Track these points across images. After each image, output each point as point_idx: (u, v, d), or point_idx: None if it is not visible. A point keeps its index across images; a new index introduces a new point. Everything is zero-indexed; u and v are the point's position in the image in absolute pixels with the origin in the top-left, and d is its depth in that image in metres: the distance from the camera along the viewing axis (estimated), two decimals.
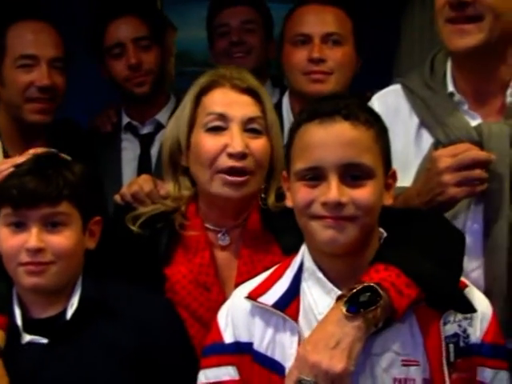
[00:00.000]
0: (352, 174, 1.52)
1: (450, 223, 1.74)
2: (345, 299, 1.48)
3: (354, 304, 1.47)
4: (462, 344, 1.55)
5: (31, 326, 1.73)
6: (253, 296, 1.62)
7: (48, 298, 1.73)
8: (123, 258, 1.87)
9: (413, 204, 1.86)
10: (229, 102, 1.86)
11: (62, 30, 2.48)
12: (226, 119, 1.85)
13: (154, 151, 2.70)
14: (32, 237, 1.68)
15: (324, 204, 1.51)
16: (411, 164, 1.97)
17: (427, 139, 1.97)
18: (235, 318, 1.65)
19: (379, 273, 1.51)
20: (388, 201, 1.60)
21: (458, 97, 1.95)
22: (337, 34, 2.45)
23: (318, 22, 2.45)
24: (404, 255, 1.55)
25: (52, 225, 1.70)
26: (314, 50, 2.41)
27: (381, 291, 1.47)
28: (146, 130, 2.76)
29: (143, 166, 2.68)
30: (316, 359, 1.44)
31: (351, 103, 1.57)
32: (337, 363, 1.43)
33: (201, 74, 1.94)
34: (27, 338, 1.72)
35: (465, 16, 1.85)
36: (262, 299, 1.61)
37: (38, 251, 1.67)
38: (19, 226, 1.70)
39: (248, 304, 1.64)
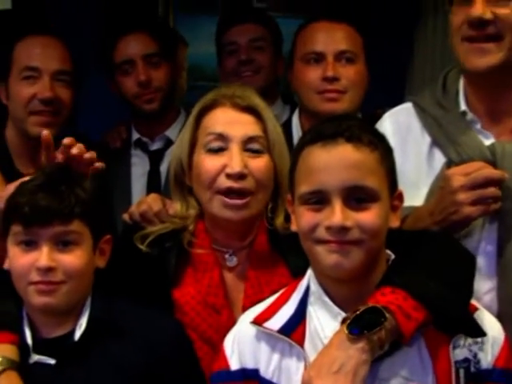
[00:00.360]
0: (356, 197, 1.49)
1: (460, 244, 1.72)
2: (348, 321, 1.45)
3: (358, 325, 1.44)
4: (472, 369, 1.51)
5: (40, 345, 1.70)
6: (258, 321, 1.60)
7: (57, 318, 1.70)
8: (132, 278, 1.85)
9: (424, 224, 1.83)
10: (229, 121, 1.84)
11: (73, 45, 2.48)
12: (225, 139, 1.82)
13: (163, 167, 2.68)
14: (43, 256, 1.65)
15: (328, 228, 1.48)
16: (423, 183, 1.94)
17: (439, 158, 1.95)
18: (241, 344, 1.62)
19: (386, 296, 1.48)
20: (394, 223, 1.57)
21: (470, 115, 1.93)
22: (349, 51, 2.42)
23: (330, 39, 2.42)
24: (412, 278, 1.52)
25: (63, 244, 1.67)
26: (328, 69, 2.38)
27: (386, 313, 1.44)
28: (155, 146, 2.74)
29: (152, 183, 2.67)
30: None
31: (354, 125, 1.55)
32: None
33: (212, 89, 1.93)
34: (35, 357, 1.69)
35: (485, 35, 1.84)
36: (267, 324, 1.58)
37: (49, 270, 1.64)
38: (30, 244, 1.67)
39: (254, 329, 1.61)
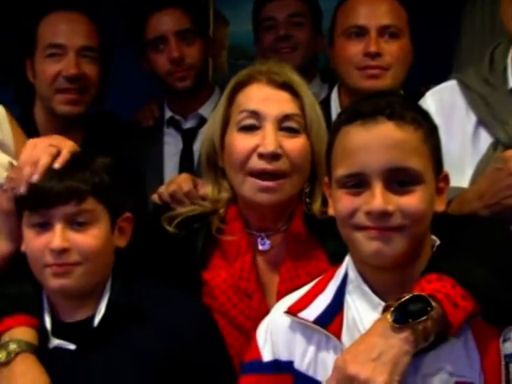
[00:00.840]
0: (398, 180, 1.40)
1: (509, 230, 1.62)
2: (392, 309, 1.36)
3: (402, 314, 1.34)
4: None
5: (60, 330, 1.66)
6: (293, 311, 1.52)
7: (76, 301, 1.66)
8: (158, 259, 1.79)
9: (471, 207, 1.75)
10: (263, 98, 1.76)
11: (103, 22, 2.43)
12: (259, 117, 1.74)
13: (196, 146, 2.62)
14: (56, 237, 1.60)
15: (368, 213, 1.39)
16: (468, 164, 1.87)
17: (485, 138, 1.87)
18: (274, 334, 1.55)
19: (432, 283, 1.39)
20: (440, 207, 1.47)
21: None
22: (394, 26, 2.31)
23: (373, 13, 2.32)
24: (459, 264, 1.42)
25: (77, 223, 1.62)
26: (371, 44, 2.28)
27: (432, 301, 1.34)
28: (188, 125, 2.68)
29: (185, 162, 2.62)
30: (355, 370, 1.33)
31: (395, 101, 1.45)
32: (378, 376, 1.31)
33: None
34: (55, 342, 1.65)
35: None
36: (302, 314, 1.50)
37: (63, 251, 1.60)
38: (43, 225, 1.63)
39: (288, 319, 1.53)
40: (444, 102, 1.95)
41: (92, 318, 1.65)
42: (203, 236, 1.82)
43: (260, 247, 1.82)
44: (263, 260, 1.82)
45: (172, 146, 2.68)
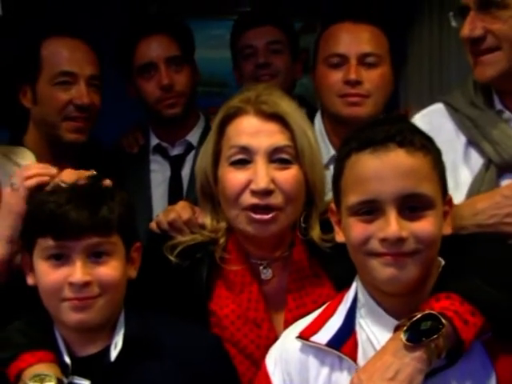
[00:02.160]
0: (411, 206, 1.44)
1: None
2: (404, 328, 1.39)
3: (415, 333, 1.38)
4: None
5: (72, 365, 1.61)
6: (305, 335, 1.54)
7: (90, 335, 1.62)
8: (162, 290, 1.78)
9: (463, 223, 1.78)
10: (253, 131, 1.74)
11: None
12: (249, 152, 1.73)
13: (184, 173, 2.64)
14: (77, 270, 1.56)
15: (383, 240, 1.42)
16: (461, 183, 1.92)
17: (476, 158, 1.93)
18: (286, 361, 1.56)
19: (440, 301, 1.43)
20: (447, 230, 1.51)
21: (507, 114, 1.92)
22: (373, 54, 2.37)
23: (353, 41, 2.37)
24: (466, 282, 1.47)
25: (96, 255, 1.59)
26: (351, 72, 2.33)
27: (443, 320, 1.39)
28: (176, 152, 2.69)
29: (174, 189, 2.62)
30: None
31: (405, 128, 1.49)
32: None
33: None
34: (69, 377, 1.59)
35: (482, 49, 1.84)
36: (314, 338, 1.52)
37: (84, 285, 1.56)
38: (60, 258, 1.58)
39: (299, 344, 1.55)
40: (433, 124, 1.98)
41: (105, 351, 1.61)
42: (207, 266, 1.80)
43: (262, 276, 1.82)
44: (268, 288, 1.82)
45: (159, 173, 2.68)
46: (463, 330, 1.39)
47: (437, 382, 1.42)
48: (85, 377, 1.59)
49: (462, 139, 1.96)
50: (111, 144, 2.76)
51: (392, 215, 1.42)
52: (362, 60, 2.36)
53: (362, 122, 2.20)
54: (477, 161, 1.93)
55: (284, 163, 1.74)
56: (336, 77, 2.36)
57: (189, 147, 2.68)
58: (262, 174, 1.71)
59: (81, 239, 1.56)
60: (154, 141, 2.71)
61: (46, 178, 1.66)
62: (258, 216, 1.72)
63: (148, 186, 2.65)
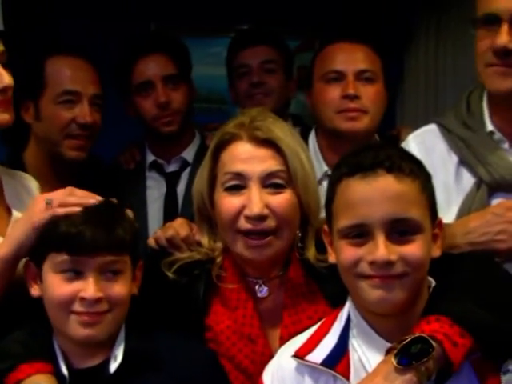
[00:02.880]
0: (399, 230, 1.46)
1: (502, 268, 1.69)
2: (395, 351, 1.41)
3: (405, 356, 1.40)
4: None
5: (71, 377, 1.63)
6: (300, 354, 1.55)
7: (91, 349, 1.64)
8: (160, 306, 1.79)
9: (455, 241, 1.83)
10: (246, 157, 1.75)
11: None
12: (243, 178, 1.75)
13: (180, 189, 2.67)
14: (90, 287, 1.59)
15: (372, 263, 1.45)
16: (453, 202, 1.96)
17: (468, 178, 1.97)
18: (281, 379, 1.57)
19: (431, 324, 1.45)
20: (436, 252, 1.53)
21: (498, 135, 1.96)
22: (370, 71, 2.41)
23: (350, 59, 2.42)
24: (455, 304, 1.48)
25: (109, 273, 1.62)
26: (349, 87, 2.37)
27: (433, 342, 1.40)
28: (171, 168, 2.72)
29: (169, 205, 2.65)
30: None
31: (393, 154, 1.50)
32: None
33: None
34: None
35: (509, 63, 1.86)
36: (309, 357, 1.54)
37: (96, 301, 1.59)
38: (73, 272, 1.61)
39: (294, 363, 1.56)
40: (426, 144, 2.04)
41: (104, 364, 1.63)
42: (204, 283, 1.82)
43: (258, 294, 1.83)
44: (263, 306, 1.83)
45: (155, 189, 2.70)
46: (452, 352, 1.41)
47: None
48: None
49: (454, 159, 2.00)
50: (109, 161, 2.79)
51: (380, 239, 1.44)
52: (359, 76, 2.40)
53: (359, 137, 2.27)
54: (468, 180, 1.97)
55: (277, 188, 1.76)
56: (334, 92, 2.40)
57: (184, 164, 2.71)
58: (255, 200, 1.73)
59: (95, 257, 1.59)
60: (151, 157, 2.74)
61: (77, 209, 1.66)
62: (253, 241, 1.74)
63: (144, 202, 2.67)
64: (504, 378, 1.47)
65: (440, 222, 1.56)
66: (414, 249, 1.45)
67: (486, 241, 1.81)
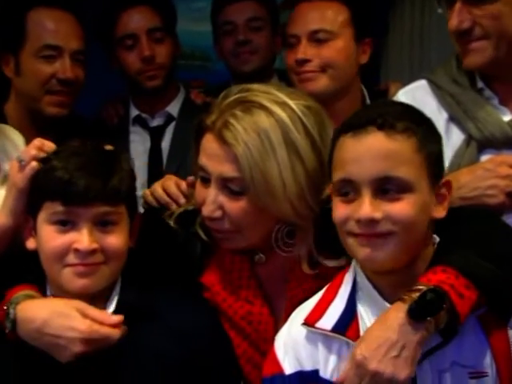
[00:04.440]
0: (387, 188, 1.44)
1: (503, 220, 1.69)
2: (408, 304, 1.40)
3: (419, 310, 1.39)
4: None
5: None
6: (309, 322, 1.54)
7: (87, 301, 1.59)
8: (158, 261, 1.76)
9: None
10: (210, 153, 1.68)
11: None
12: (207, 173, 1.69)
13: (164, 144, 2.64)
14: (84, 237, 1.55)
15: (358, 221, 1.44)
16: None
17: (457, 134, 1.96)
18: (295, 347, 1.56)
19: (437, 274, 1.44)
20: (439, 213, 1.49)
21: (488, 92, 1.95)
22: (323, 30, 2.36)
23: (304, 20, 2.38)
24: (460, 256, 1.47)
25: (103, 224, 1.58)
26: (299, 52, 2.36)
27: (444, 295, 1.40)
28: (156, 123, 2.69)
29: (154, 160, 2.62)
30: (379, 368, 1.38)
31: (389, 111, 1.48)
32: (401, 372, 1.37)
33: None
34: None
35: (471, 40, 1.86)
36: (319, 324, 1.52)
37: (90, 253, 1.55)
38: (67, 224, 1.57)
39: (305, 331, 1.55)
40: (416, 100, 1.99)
41: None
42: (201, 241, 1.78)
43: (256, 259, 1.78)
44: (260, 271, 1.79)
45: (139, 144, 2.67)
46: (459, 304, 1.40)
47: (434, 360, 1.44)
48: None
49: (444, 115, 1.99)
50: (92, 116, 2.75)
51: (366, 197, 1.43)
52: (311, 37, 2.37)
53: (323, 97, 2.19)
54: (458, 137, 1.96)
55: (233, 194, 1.68)
56: (291, 57, 2.40)
57: (169, 118, 2.67)
58: (208, 201, 1.68)
59: (90, 207, 1.55)
60: (134, 112, 2.70)
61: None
62: (217, 235, 1.72)
63: None
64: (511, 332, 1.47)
65: (448, 182, 1.53)
66: (401, 207, 1.43)
67: (477, 195, 1.80)
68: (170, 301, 1.65)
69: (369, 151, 1.44)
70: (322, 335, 1.52)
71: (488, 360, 1.46)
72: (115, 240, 1.59)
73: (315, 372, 1.53)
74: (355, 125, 1.47)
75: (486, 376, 1.45)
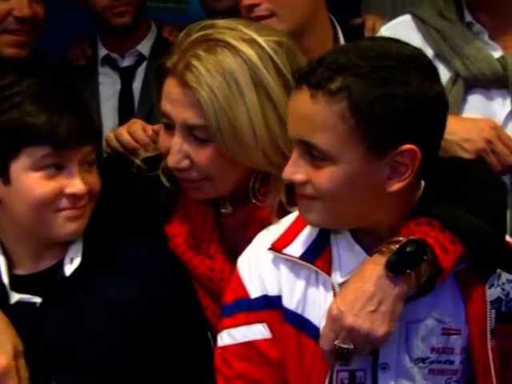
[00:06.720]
0: (312, 153, 1.33)
1: (493, 172, 1.63)
2: (387, 257, 1.33)
3: (398, 262, 1.32)
4: (503, 309, 1.43)
5: (19, 283, 1.56)
6: (277, 247, 1.46)
7: (41, 251, 1.57)
8: (121, 209, 1.69)
9: None
10: (173, 99, 1.58)
11: None
12: (171, 119, 1.60)
13: (136, 86, 2.55)
14: (77, 181, 1.51)
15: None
16: None
17: (444, 72, 1.85)
18: (260, 269, 1.48)
19: (420, 226, 1.36)
20: (391, 187, 1.33)
21: (477, 26, 1.89)
22: None
23: None
24: (446, 210, 1.38)
25: (86, 164, 1.55)
26: None
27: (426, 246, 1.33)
28: (126, 63, 2.59)
29: (125, 102, 2.53)
30: (355, 323, 1.32)
31: (332, 62, 1.30)
32: (378, 327, 1.32)
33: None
34: (16, 297, 1.55)
35: None
36: (287, 250, 1.45)
37: (82, 195, 1.53)
38: (54, 168, 1.52)
39: (271, 256, 1.48)
40: (399, 36, 1.83)
41: (56, 267, 1.56)
42: (164, 189, 1.70)
43: (222, 210, 1.70)
44: (226, 222, 1.72)
45: (108, 86, 2.58)
46: (443, 258, 1.33)
47: (407, 310, 1.37)
48: (36, 293, 1.54)
49: (429, 52, 1.90)
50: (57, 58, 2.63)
51: (292, 157, 1.36)
52: None
53: None
54: (444, 75, 1.83)
55: (199, 141, 1.58)
56: (242, 2, 2.16)
57: (140, 58, 2.58)
58: (173, 151, 1.60)
59: (80, 148, 1.52)
60: (103, 52, 2.60)
61: None
62: (186, 184, 1.64)
63: (97, 100, 2.53)
64: (489, 292, 1.41)
65: (409, 150, 1.30)
66: (319, 177, 1.33)
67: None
68: (129, 247, 1.61)
69: (293, 112, 1.36)
70: (289, 262, 1.46)
71: (462, 318, 1.41)
72: (96, 180, 1.58)
73: (278, 298, 1.46)
74: (296, 79, 1.35)
75: (458, 334, 1.41)
